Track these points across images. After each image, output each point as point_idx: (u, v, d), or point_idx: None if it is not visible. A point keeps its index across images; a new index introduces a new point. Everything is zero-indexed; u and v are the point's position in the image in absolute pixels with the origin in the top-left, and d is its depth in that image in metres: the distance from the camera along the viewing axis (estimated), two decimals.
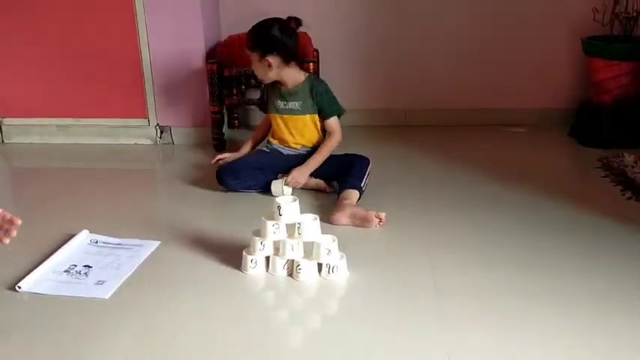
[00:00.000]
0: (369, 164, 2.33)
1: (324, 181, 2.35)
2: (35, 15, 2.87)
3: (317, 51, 2.91)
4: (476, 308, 1.58)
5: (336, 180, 2.31)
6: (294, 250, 1.74)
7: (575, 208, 2.16)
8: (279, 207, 1.74)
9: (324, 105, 2.37)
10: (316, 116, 2.39)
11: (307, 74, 2.43)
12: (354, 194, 2.18)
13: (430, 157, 2.73)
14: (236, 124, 3.22)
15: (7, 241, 1.45)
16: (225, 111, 2.95)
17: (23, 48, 2.93)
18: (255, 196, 2.33)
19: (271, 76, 2.35)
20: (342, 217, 2.08)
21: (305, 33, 2.96)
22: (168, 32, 2.83)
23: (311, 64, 2.69)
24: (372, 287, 1.70)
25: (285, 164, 2.36)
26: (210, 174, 2.51)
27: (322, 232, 1.80)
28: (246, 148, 2.54)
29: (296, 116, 2.38)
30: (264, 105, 2.51)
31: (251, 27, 2.35)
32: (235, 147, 2.82)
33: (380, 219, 2.04)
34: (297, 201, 1.78)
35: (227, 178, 2.34)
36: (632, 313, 1.54)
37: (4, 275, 1.74)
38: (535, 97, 3.16)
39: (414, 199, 2.28)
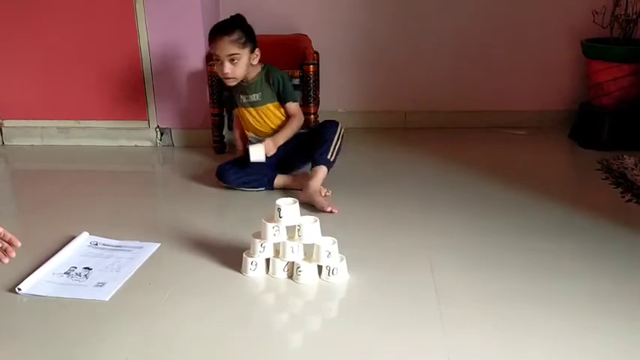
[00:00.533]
0: (335, 132, 2.38)
1: (296, 176, 2.43)
2: (35, 17, 2.88)
3: (317, 53, 2.91)
4: (476, 310, 1.58)
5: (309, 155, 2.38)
6: (294, 253, 1.74)
7: (575, 210, 2.16)
8: (279, 209, 1.74)
9: (281, 91, 2.42)
10: (277, 103, 2.43)
11: (263, 65, 2.44)
12: (320, 170, 2.29)
13: (430, 159, 2.73)
14: None
15: (6, 261, 1.46)
16: (225, 113, 2.95)
17: (23, 50, 2.94)
18: (255, 198, 2.33)
19: (249, 70, 2.37)
20: (301, 195, 2.21)
21: (305, 35, 2.97)
22: (169, 34, 2.83)
23: (311, 66, 2.69)
24: (372, 289, 1.70)
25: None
26: (211, 176, 2.52)
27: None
28: (240, 148, 2.56)
29: (259, 107, 2.43)
30: (233, 102, 2.52)
31: (229, 25, 2.32)
32: (235, 149, 2.83)
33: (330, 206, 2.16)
34: (297, 203, 1.78)
35: (226, 174, 2.38)
36: (632, 317, 1.54)
37: (4, 277, 1.74)
38: (535, 100, 3.16)
39: (415, 200, 2.28)
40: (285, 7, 2.91)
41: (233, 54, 2.29)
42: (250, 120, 2.46)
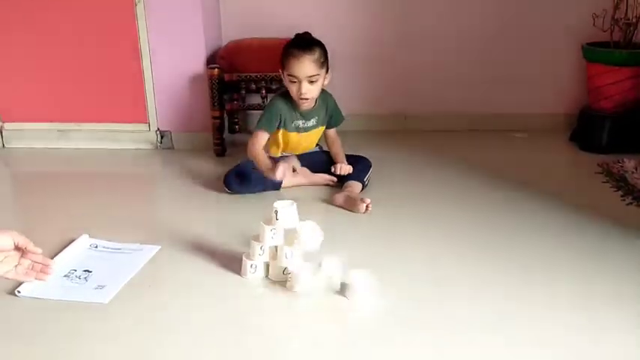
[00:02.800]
0: (370, 166, 2.45)
1: (331, 175, 2.43)
2: (35, 20, 2.88)
3: None
4: (478, 311, 1.58)
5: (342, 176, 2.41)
6: (290, 257, 1.73)
7: (575, 213, 2.16)
8: (276, 212, 1.74)
9: (334, 117, 2.51)
10: (324, 126, 2.50)
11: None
12: (356, 185, 2.33)
13: (431, 162, 2.73)
14: (237, 129, 3.22)
15: (45, 278, 1.54)
16: (225, 116, 2.96)
17: (23, 53, 2.94)
18: (256, 201, 2.33)
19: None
20: (340, 197, 2.24)
21: None
22: (169, 37, 2.83)
23: None
24: (372, 293, 1.70)
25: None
26: (211, 179, 2.52)
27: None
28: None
29: (313, 131, 2.46)
30: (275, 126, 2.37)
31: (309, 42, 2.25)
32: (236, 152, 2.84)
33: (366, 205, 2.15)
34: (295, 205, 1.77)
35: (234, 184, 2.37)
36: (633, 321, 1.53)
37: (3, 280, 1.74)
38: (536, 103, 3.16)
39: (415, 203, 2.28)
40: (286, 11, 2.92)
41: (313, 75, 2.20)
42: (296, 142, 2.45)
